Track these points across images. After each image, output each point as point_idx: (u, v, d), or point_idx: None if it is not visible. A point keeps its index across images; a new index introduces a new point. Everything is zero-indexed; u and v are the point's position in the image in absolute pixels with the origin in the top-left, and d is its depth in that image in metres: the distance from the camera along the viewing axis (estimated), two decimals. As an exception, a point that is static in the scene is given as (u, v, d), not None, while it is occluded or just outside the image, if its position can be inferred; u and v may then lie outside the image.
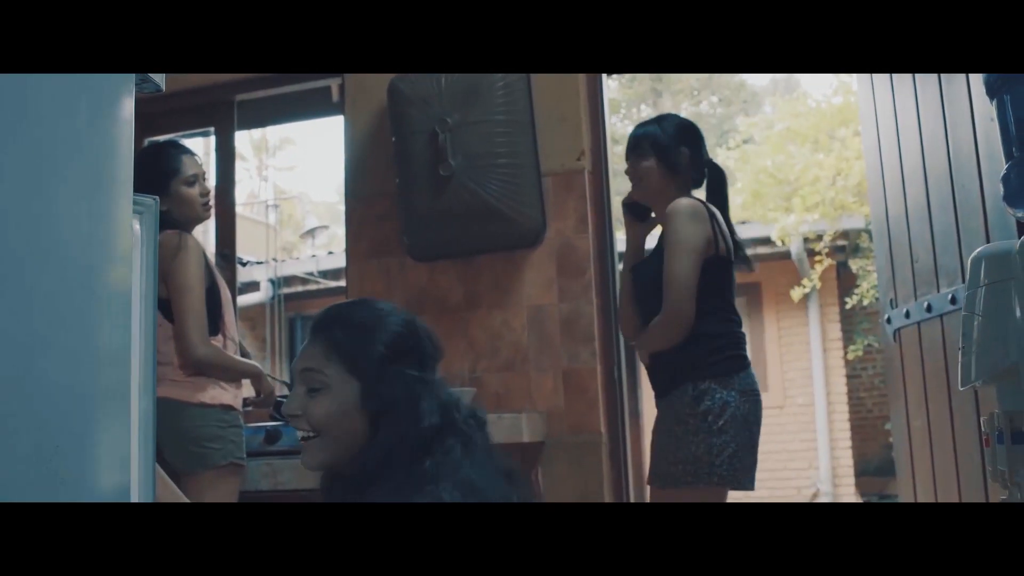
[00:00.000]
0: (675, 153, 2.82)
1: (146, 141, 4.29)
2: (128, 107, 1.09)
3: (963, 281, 2.24)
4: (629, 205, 2.98)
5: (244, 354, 3.21)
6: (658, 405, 2.77)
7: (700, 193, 2.90)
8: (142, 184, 2.83)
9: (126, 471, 1.02)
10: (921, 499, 2.83)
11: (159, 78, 1.16)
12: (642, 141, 2.85)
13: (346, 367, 1.58)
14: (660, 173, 2.82)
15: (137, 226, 1.28)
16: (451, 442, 1.55)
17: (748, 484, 2.62)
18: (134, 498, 1.17)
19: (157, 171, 2.87)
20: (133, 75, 1.11)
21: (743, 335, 2.76)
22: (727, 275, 2.76)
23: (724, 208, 2.85)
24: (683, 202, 2.72)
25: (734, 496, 2.66)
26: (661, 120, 2.91)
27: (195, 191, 2.93)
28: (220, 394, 2.87)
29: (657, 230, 2.96)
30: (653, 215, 2.95)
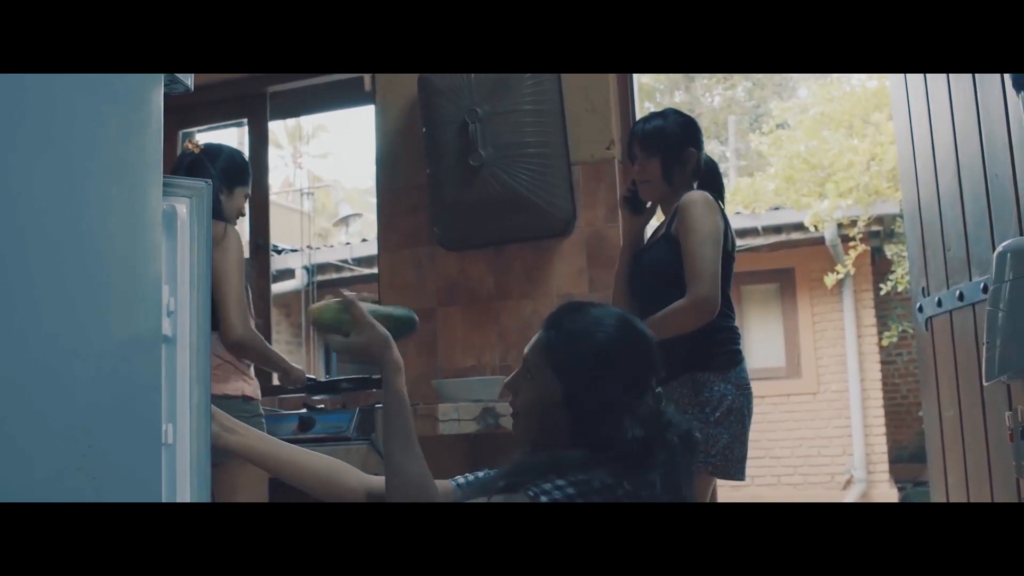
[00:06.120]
0: (682, 150, 2.82)
1: (180, 133, 4.34)
2: (157, 105, 1.11)
3: (994, 272, 2.22)
4: (627, 199, 2.98)
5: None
6: None
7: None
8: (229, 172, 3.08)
9: (156, 468, 1.04)
10: (952, 490, 2.81)
11: (188, 79, 1.18)
12: (650, 139, 2.84)
13: (554, 369, 1.63)
14: (667, 169, 2.82)
15: (184, 210, 1.29)
16: (655, 459, 1.54)
17: (739, 475, 2.66)
18: (186, 489, 1.18)
19: (234, 173, 3.10)
20: (161, 76, 1.12)
21: (739, 330, 2.79)
22: (730, 270, 2.77)
23: (721, 200, 2.85)
24: (698, 194, 2.72)
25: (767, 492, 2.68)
26: (664, 116, 2.88)
27: (246, 205, 3.21)
28: (242, 386, 2.94)
29: (654, 221, 2.99)
30: (648, 205, 2.95)
